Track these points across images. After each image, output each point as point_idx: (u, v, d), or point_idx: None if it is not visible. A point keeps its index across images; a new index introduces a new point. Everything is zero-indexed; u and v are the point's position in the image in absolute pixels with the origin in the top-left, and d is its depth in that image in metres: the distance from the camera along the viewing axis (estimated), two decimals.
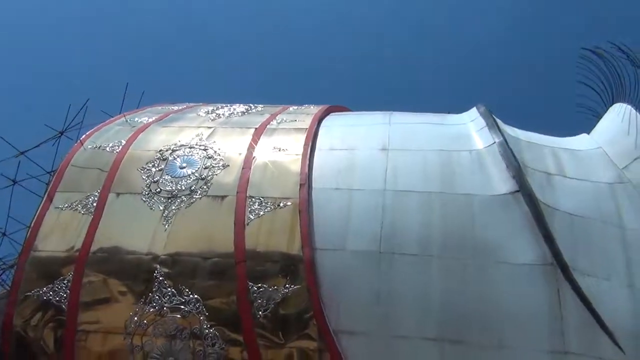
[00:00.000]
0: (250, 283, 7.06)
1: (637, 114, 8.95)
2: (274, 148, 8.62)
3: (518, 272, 7.00)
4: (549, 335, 6.65)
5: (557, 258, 7.02)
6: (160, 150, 8.80)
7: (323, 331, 6.77)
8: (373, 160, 8.31)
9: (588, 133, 10.10)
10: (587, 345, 6.58)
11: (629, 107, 9.25)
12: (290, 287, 7.00)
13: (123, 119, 10.01)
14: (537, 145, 9.02)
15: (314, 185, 7.97)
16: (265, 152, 8.57)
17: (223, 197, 7.91)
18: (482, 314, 6.78)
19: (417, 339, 6.76)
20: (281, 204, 7.71)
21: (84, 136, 9.40)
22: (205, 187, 8.07)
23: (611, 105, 10.12)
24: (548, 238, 7.15)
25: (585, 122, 10.80)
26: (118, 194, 8.19)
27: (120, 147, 8.94)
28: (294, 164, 8.26)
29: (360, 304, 6.98)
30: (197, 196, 7.97)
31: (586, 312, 6.72)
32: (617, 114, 9.50)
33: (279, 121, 9.51)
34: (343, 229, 7.46)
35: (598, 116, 10.54)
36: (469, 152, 8.44)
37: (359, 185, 7.94)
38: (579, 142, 9.66)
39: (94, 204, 8.06)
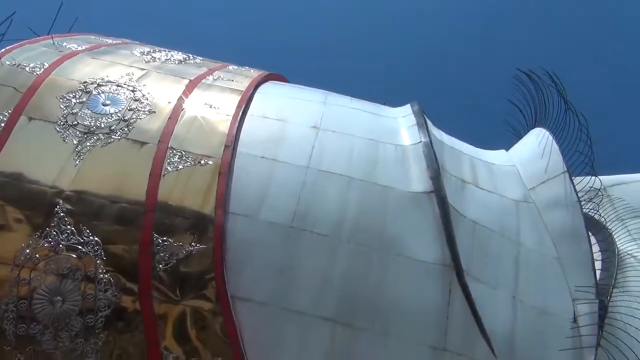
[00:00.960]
0: (155, 235, 6.91)
1: (553, 141, 9.51)
2: (206, 104, 8.41)
3: (417, 268, 7.31)
4: (433, 331, 7.01)
5: (455, 261, 7.38)
6: (85, 82, 8.33)
7: (220, 294, 6.76)
8: (302, 137, 8.32)
9: (507, 150, 10.63)
10: (465, 346, 7.00)
11: (547, 133, 9.81)
12: (195, 245, 6.92)
13: (50, 40, 9.37)
14: (458, 152, 9.40)
15: (239, 149, 7.87)
16: (195, 107, 8.34)
17: (143, 144, 7.64)
18: (375, 302, 7.04)
19: (311, 317, 6.91)
20: (202, 162, 7.56)
21: (3, 50, 8.73)
22: (126, 129, 7.75)
23: (533, 128, 10.67)
24: (451, 241, 7.50)
25: (507, 139, 11.35)
26: (30, 119, 7.68)
27: (42, 70, 8.37)
28: (223, 124, 8.11)
29: (262, 273, 7.03)
30: (116, 137, 7.64)
31: (470, 315, 7.13)
32: (536, 137, 10.05)
33: (215, 77, 9.27)
34: (259, 197, 7.45)
35: (519, 136, 11.10)
36: (395, 147, 8.64)
37: (283, 158, 7.93)
38: (497, 156, 10.16)
39: (2, 124, 7.53)
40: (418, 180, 8.13)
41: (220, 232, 7.02)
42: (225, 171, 7.48)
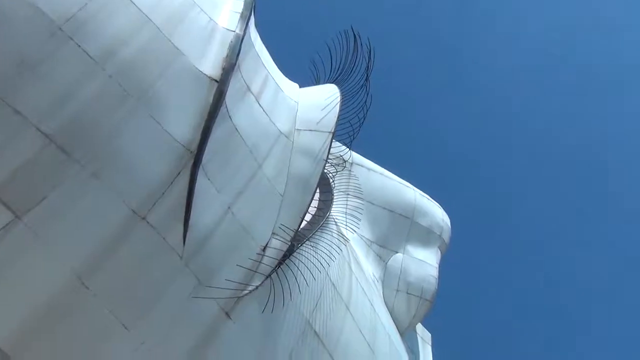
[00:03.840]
0: None
1: (338, 104, 10.20)
2: None
3: (160, 136, 7.17)
4: (143, 197, 6.95)
5: (199, 152, 7.46)
6: None
7: None
8: None
9: (300, 87, 11.07)
10: (163, 225, 7.14)
11: (339, 94, 10.47)
12: None
13: None
14: (261, 62, 9.44)
15: None
16: None
17: None
18: (102, 145, 6.72)
19: (29, 123, 6.29)
20: None
21: None
22: None
23: (333, 83, 11.27)
24: (205, 132, 7.55)
25: (307, 78, 11.78)
26: None
27: None
28: None
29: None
30: None
31: (184, 203, 7.30)
32: (328, 91, 10.65)
33: None
34: None
35: (317, 81, 11.63)
36: (209, 19, 8.27)
37: None
38: (289, 87, 10.50)
39: None
40: (211, 63, 7.93)
41: None
42: None
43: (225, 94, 7.86)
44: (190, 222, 7.36)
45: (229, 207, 8.00)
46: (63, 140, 6.45)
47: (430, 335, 16.42)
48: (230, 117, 8.13)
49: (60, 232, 6.44)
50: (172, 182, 7.21)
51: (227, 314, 7.65)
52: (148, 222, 6.96)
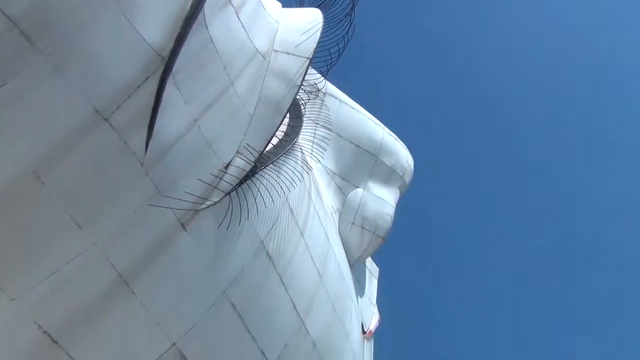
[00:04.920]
0: None
1: (320, 30, 9.95)
2: None
3: (131, 36, 6.85)
4: (108, 97, 6.73)
5: (170, 59, 7.22)
6: None
7: None
8: None
9: (283, 6, 10.71)
10: (125, 128, 6.90)
11: (322, 20, 10.20)
12: None
13: None
14: None
15: None
16: None
17: None
18: (69, 38, 6.42)
19: None
20: None
21: None
22: None
23: (317, 7, 10.93)
24: (179, 40, 7.28)
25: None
26: None
27: None
28: None
29: None
30: None
31: (150, 109, 7.12)
32: (312, 15, 10.36)
33: None
34: None
35: (302, 4, 11.26)
36: None
37: None
38: (272, 5, 10.16)
39: None
40: None
41: None
42: None
43: (204, 3, 7.54)
44: (155, 129, 7.23)
45: (195, 120, 7.87)
46: (27, 27, 6.13)
47: (378, 269, 17.02)
48: (207, 26, 7.84)
49: (17, 121, 6.24)
50: (139, 87, 7.01)
51: (182, 225, 7.70)
52: (111, 124, 6.81)
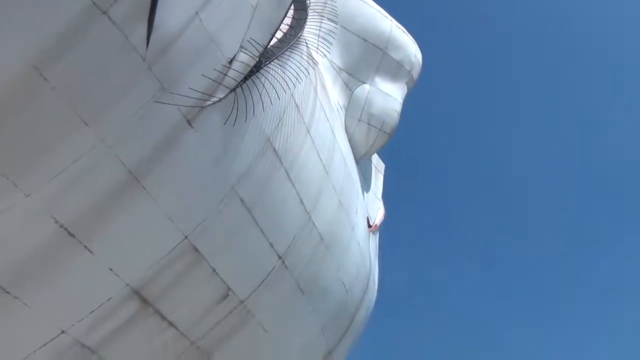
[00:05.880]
0: None
1: None
2: None
3: None
4: None
5: None
6: None
7: None
8: None
9: None
10: (127, 22, 6.73)
11: None
12: None
13: None
14: None
15: None
16: None
17: None
18: None
19: None
20: None
21: None
22: None
23: None
24: None
25: None
26: None
27: None
28: None
29: None
30: None
31: (147, 4, 6.85)
32: None
33: None
34: None
35: None
36: None
37: None
38: None
39: None
40: None
41: None
42: None
43: None
44: (155, 22, 7.01)
45: (196, 13, 7.60)
46: None
47: (384, 165, 17.19)
48: None
49: (14, 17, 6.06)
50: None
51: (188, 122, 7.70)
52: (109, 18, 6.60)
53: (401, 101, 15.00)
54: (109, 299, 7.85)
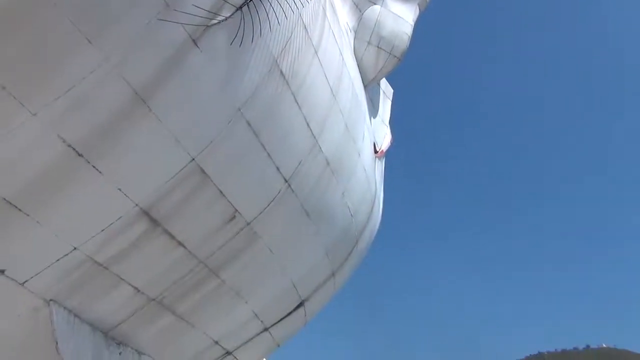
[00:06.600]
0: None
1: None
2: None
3: None
4: None
5: None
6: None
7: None
8: None
9: None
10: None
11: None
12: None
13: None
14: None
15: None
16: None
17: None
18: None
19: None
20: None
21: None
22: None
23: None
24: None
25: None
26: None
27: None
28: None
29: None
30: None
31: None
32: None
33: None
34: None
35: None
36: None
37: None
38: None
39: None
40: None
41: None
42: None
43: None
44: None
45: None
46: None
47: (392, 90, 16.93)
48: None
49: None
50: None
51: (194, 41, 7.52)
52: None
53: (412, 24, 14.54)
54: (119, 218, 8.00)
